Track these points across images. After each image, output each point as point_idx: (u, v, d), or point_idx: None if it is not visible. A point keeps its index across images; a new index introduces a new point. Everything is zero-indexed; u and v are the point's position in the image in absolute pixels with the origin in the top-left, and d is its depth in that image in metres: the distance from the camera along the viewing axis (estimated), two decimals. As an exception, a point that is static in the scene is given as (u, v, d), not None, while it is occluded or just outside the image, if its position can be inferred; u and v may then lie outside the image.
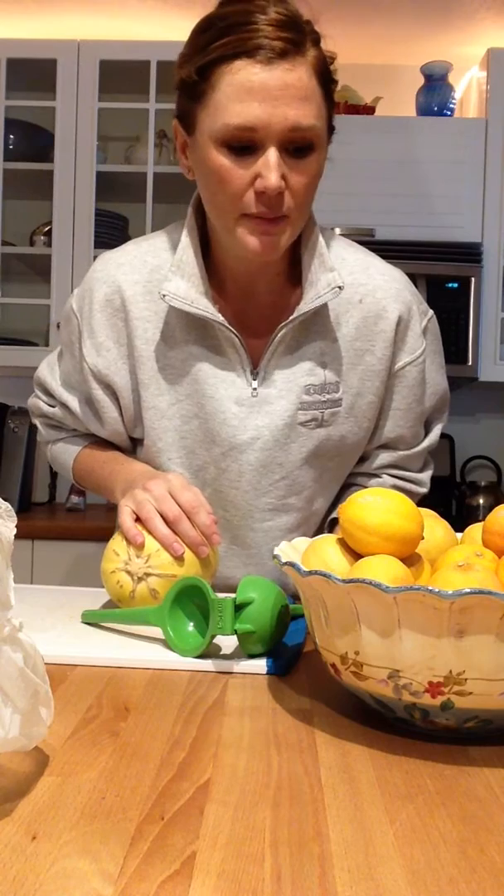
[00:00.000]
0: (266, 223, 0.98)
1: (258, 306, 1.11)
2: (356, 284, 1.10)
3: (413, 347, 1.13)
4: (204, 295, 1.05)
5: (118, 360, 1.11)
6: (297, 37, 0.93)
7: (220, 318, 1.05)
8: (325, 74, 0.97)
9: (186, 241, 1.07)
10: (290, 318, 1.06)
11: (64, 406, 1.19)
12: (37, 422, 1.28)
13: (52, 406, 1.22)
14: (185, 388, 1.10)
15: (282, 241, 1.00)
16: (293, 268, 1.11)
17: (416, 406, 1.16)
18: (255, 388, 1.09)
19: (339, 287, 1.04)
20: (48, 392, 1.22)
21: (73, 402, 1.17)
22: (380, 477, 1.20)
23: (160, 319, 1.09)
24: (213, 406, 1.09)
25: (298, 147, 0.95)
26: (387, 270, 1.14)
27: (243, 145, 0.94)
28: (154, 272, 1.10)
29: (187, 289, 1.05)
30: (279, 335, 1.07)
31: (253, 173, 0.95)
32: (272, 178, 0.93)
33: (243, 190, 0.96)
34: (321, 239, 1.08)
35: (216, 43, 0.94)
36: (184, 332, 1.08)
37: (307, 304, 1.05)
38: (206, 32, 0.96)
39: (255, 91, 0.92)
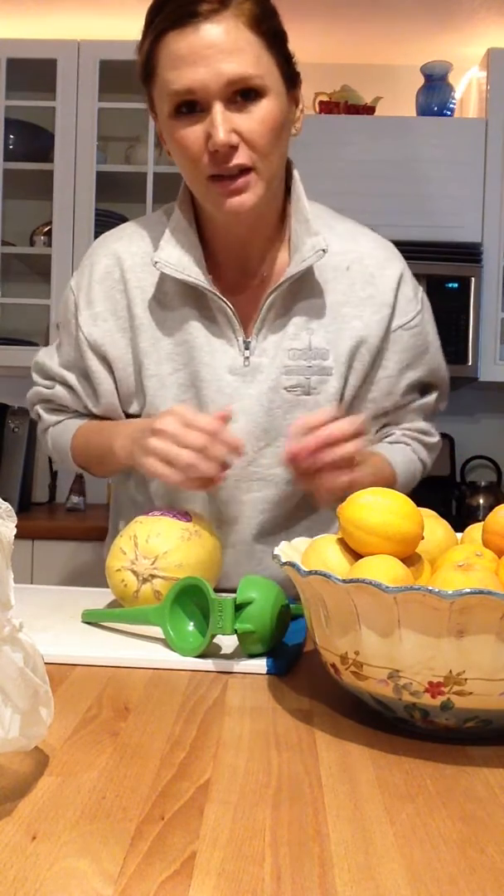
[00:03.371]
0: (229, 181, 0.99)
1: (250, 275, 1.12)
2: (344, 252, 1.12)
3: (405, 311, 1.14)
4: (196, 264, 1.08)
5: (115, 331, 1.13)
6: None
7: (212, 287, 1.07)
8: (262, 24, 0.98)
9: (178, 215, 1.10)
10: (278, 283, 1.08)
11: (63, 383, 1.20)
12: (38, 409, 1.26)
13: (51, 388, 1.22)
14: (181, 358, 1.11)
15: (253, 194, 1.01)
16: (284, 234, 1.12)
17: (407, 372, 1.15)
18: (247, 358, 1.10)
19: (323, 250, 1.06)
20: (47, 374, 1.22)
21: (72, 377, 1.18)
22: (392, 434, 1.21)
23: (158, 289, 1.11)
24: (209, 374, 1.10)
25: (245, 97, 0.97)
26: (376, 239, 1.16)
27: (191, 110, 0.97)
28: (152, 244, 1.12)
29: (180, 257, 1.07)
30: (268, 301, 1.09)
31: (205, 134, 0.97)
32: (219, 135, 0.95)
33: (200, 152, 0.98)
34: (306, 203, 1.10)
35: (151, 25, 0.98)
36: (180, 301, 1.10)
37: (294, 268, 1.07)
38: (147, 17, 1.00)
39: (185, 56, 0.95)
